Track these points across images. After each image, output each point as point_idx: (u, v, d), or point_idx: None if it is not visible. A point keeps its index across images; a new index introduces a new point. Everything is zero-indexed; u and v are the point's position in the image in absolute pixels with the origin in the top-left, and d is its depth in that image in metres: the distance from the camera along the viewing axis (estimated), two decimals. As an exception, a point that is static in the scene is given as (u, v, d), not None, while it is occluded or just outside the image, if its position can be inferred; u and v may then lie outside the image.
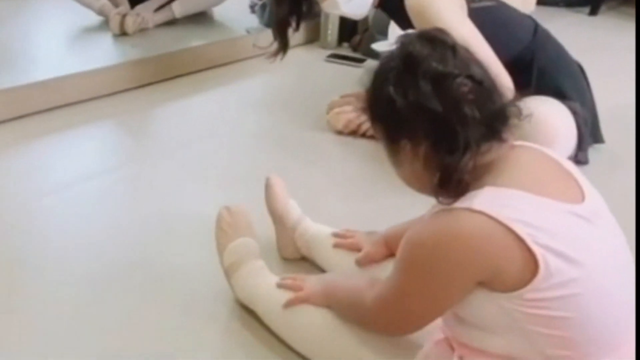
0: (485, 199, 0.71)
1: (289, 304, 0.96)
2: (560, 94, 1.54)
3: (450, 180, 0.73)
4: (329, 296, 0.94)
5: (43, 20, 2.58)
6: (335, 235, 1.14)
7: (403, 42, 0.78)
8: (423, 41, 0.76)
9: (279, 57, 1.68)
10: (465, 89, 0.73)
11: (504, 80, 1.42)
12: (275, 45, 1.67)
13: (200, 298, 1.11)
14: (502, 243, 0.69)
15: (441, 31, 0.79)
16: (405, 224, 1.04)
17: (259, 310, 1.03)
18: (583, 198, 0.76)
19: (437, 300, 0.76)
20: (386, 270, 0.99)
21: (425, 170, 0.76)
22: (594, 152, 1.65)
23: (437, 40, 0.76)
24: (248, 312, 1.05)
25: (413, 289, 0.77)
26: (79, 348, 1.01)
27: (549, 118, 1.44)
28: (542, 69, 1.56)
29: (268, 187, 1.22)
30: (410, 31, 0.84)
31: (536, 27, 1.61)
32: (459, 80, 0.73)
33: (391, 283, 0.80)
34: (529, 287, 0.69)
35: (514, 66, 1.50)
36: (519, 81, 1.51)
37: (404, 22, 1.50)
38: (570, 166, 0.81)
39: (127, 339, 1.03)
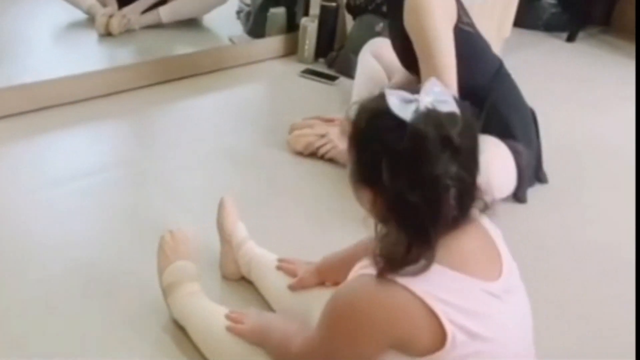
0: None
1: (228, 329, 1.05)
2: (507, 133, 1.63)
3: (393, 261, 0.76)
4: (262, 336, 1.02)
5: (31, 17, 2.63)
6: (281, 260, 1.23)
7: (418, 117, 0.75)
8: (434, 128, 0.74)
9: None
10: (452, 193, 0.75)
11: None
12: None
13: (139, 310, 1.21)
14: (417, 315, 0.75)
15: (452, 119, 0.76)
16: (337, 255, 1.14)
17: (189, 329, 1.13)
18: (500, 274, 0.82)
19: (353, 359, 0.82)
20: (312, 297, 1.12)
21: (376, 220, 0.82)
22: (537, 190, 1.75)
23: (446, 138, 0.75)
24: (180, 329, 1.15)
25: (331, 345, 0.84)
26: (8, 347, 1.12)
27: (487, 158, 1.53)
28: (494, 106, 1.65)
29: (220, 207, 1.33)
30: (422, 99, 0.77)
31: (500, 67, 1.71)
32: (447, 183, 0.74)
33: (315, 335, 0.88)
34: (434, 355, 0.75)
35: (469, 95, 1.60)
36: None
37: (396, 14, 1.59)
38: (498, 239, 0.87)
39: (63, 341, 1.14)
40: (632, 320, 1.32)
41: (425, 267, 0.76)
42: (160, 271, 1.19)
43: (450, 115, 0.76)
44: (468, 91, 1.57)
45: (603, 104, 2.49)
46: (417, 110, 0.75)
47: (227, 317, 1.08)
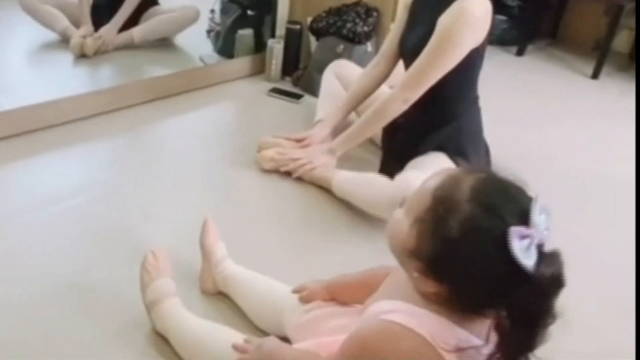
0: (432, 326, 0.81)
1: None
2: (460, 158, 1.76)
3: None
4: None
5: (3, 40, 2.69)
6: (294, 290, 1.29)
7: (539, 269, 0.72)
8: (553, 280, 0.74)
9: None
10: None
11: None
12: None
13: (123, 324, 1.33)
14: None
15: (560, 258, 0.75)
16: (349, 277, 1.22)
17: (171, 338, 1.27)
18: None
19: None
20: (280, 308, 1.27)
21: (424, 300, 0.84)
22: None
23: (559, 284, 0.75)
24: (162, 340, 1.29)
25: None
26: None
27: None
28: (458, 131, 1.82)
29: (203, 227, 1.48)
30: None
31: (477, 98, 1.90)
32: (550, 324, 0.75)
33: None
34: None
35: (442, 106, 1.78)
36: (436, 119, 1.79)
37: (441, 6, 1.69)
38: None
39: (49, 358, 1.24)
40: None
41: None
42: (144, 288, 1.32)
43: (558, 255, 0.75)
44: (445, 102, 1.78)
45: (544, 116, 2.71)
46: (533, 251, 0.72)
47: (234, 346, 1.13)
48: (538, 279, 0.72)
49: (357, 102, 2.07)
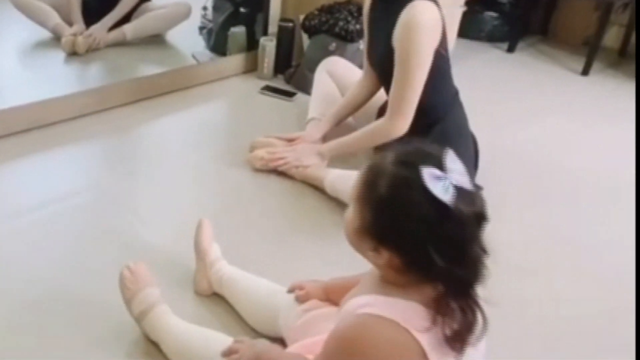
0: (403, 311, 0.86)
1: None
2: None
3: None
4: None
5: None
6: (291, 288, 1.31)
7: (457, 201, 0.80)
8: (472, 210, 0.82)
9: None
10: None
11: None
12: None
13: (115, 328, 1.33)
14: (414, 353, 0.84)
15: (479, 195, 0.85)
16: (345, 279, 1.21)
17: (163, 346, 1.28)
18: None
19: None
20: (277, 309, 1.29)
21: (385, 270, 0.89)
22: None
23: (480, 216, 0.83)
24: (153, 344, 1.29)
25: None
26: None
27: None
28: (445, 131, 1.84)
29: (198, 228, 1.48)
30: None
31: (457, 94, 1.93)
32: (484, 252, 0.84)
33: None
34: None
35: (425, 112, 1.80)
36: (421, 124, 1.81)
37: (388, 24, 1.74)
38: None
39: None
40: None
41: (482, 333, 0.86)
42: (128, 302, 1.31)
43: (477, 192, 0.85)
44: (426, 108, 1.79)
45: (535, 112, 2.73)
46: (449, 189, 0.81)
47: (223, 353, 1.14)
48: (458, 213, 0.81)
49: (351, 111, 2.10)
